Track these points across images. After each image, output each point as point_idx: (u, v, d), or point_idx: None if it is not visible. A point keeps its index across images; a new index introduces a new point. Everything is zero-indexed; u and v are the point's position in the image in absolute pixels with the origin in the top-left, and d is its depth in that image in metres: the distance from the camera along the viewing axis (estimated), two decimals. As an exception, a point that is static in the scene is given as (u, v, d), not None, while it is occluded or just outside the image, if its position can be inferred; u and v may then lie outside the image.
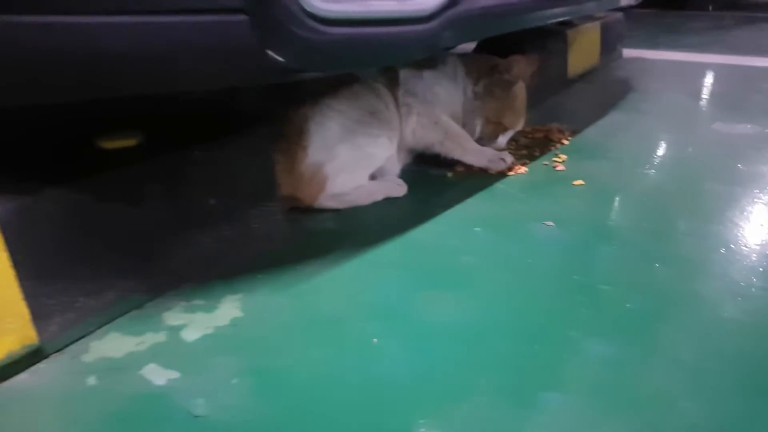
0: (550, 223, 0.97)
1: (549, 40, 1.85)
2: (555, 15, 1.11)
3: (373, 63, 0.74)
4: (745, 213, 1.00)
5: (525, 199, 1.08)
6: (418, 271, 0.84)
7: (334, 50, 0.66)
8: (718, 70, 2.15)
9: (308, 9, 0.62)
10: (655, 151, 1.34)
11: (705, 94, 1.97)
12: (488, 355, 0.66)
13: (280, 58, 0.65)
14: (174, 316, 0.74)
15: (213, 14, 0.61)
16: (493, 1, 0.86)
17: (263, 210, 0.90)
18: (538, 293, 0.78)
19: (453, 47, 0.83)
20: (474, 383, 0.62)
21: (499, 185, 1.15)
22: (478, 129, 1.28)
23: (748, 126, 1.49)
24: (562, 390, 0.60)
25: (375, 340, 0.69)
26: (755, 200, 1.05)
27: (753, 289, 0.77)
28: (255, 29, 0.61)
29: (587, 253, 0.89)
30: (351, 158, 1.06)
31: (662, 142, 1.41)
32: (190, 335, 0.71)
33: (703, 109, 1.73)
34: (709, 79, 2.04)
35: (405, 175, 1.21)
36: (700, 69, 2.16)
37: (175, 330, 0.72)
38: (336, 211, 1.04)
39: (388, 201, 1.09)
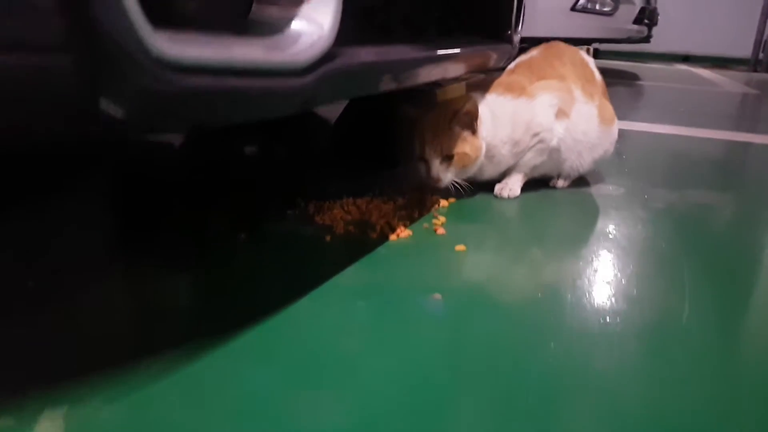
0: (437, 296, 0.90)
1: (420, 100, 1.85)
2: (434, 73, 1.07)
3: (238, 118, 0.62)
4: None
5: (409, 266, 1.01)
6: (291, 363, 0.71)
7: (185, 103, 0.54)
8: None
9: (154, 51, 0.49)
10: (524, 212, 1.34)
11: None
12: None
13: (117, 111, 0.52)
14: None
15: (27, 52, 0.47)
16: (373, 56, 0.79)
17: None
18: (430, 380, 0.69)
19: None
20: None
21: (381, 250, 1.06)
22: None
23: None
24: None
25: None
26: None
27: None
28: (82, 74, 0.48)
29: (479, 325, 0.81)
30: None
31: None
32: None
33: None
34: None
35: (273, 236, 1.10)
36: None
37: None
38: (176, 289, 0.89)
39: (254, 270, 0.97)
